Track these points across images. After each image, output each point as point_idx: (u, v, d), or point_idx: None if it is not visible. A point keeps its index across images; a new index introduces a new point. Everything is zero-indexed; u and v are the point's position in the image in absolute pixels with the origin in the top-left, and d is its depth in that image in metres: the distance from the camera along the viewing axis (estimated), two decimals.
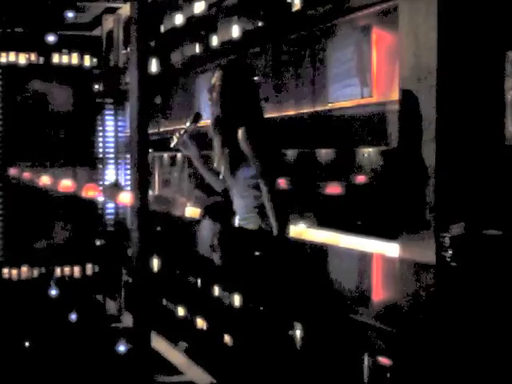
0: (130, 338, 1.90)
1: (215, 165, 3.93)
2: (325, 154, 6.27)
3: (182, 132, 3.97)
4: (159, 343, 1.82)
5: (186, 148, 3.97)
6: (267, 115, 6.78)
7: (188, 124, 3.99)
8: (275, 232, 3.76)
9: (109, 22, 12.72)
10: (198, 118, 4.00)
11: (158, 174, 10.95)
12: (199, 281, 2.73)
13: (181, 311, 2.25)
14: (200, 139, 4.02)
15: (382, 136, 5.24)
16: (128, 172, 11.08)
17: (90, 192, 10.96)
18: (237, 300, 2.33)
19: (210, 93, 3.88)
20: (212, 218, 6.46)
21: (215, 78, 3.85)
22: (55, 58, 13.20)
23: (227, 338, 1.91)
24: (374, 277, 2.77)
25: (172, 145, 4.00)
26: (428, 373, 1.47)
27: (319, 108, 6.20)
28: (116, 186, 11.57)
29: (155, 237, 4.03)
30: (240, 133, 3.74)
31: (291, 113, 6.64)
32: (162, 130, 10.41)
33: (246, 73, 4.00)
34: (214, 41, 8.50)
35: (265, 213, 3.82)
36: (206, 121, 4.02)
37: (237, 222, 3.94)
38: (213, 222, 6.13)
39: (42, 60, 13.15)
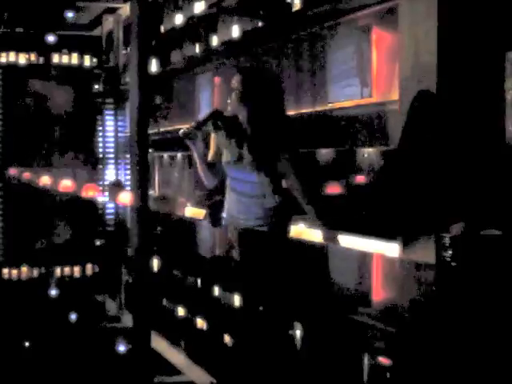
0: (129, 338, 1.90)
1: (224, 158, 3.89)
2: (325, 153, 6.27)
3: (194, 124, 3.90)
4: (159, 343, 1.82)
5: (194, 140, 3.89)
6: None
7: (203, 118, 3.93)
8: (313, 217, 3.75)
9: (109, 22, 12.72)
10: (215, 114, 3.91)
11: (158, 174, 10.95)
12: (199, 281, 2.73)
13: (181, 311, 2.25)
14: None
15: (382, 136, 5.24)
16: (128, 172, 11.08)
17: (90, 192, 10.95)
18: (237, 300, 2.34)
19: (229, 95, 3.86)
20: (215, 217, 6.46)
21: (234, 81, 3.84)
22: (55, 58, 13.20)
23: (227, 338, 1.91)
24: (374, 277, 2.78)
25: (181, 132, 3.91)
26: (428, 372, 1.48)
27: (319, 108, 6.20)
28: (118, 186, 11.57)
29: (155, 237, 4.03)
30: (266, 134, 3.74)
31: (291, 113, 6.64)
32: (161, 130, 10.41)
33: (265, 75, 3.99)
34: (214, 41, 8.50)
35: (271, 216, 3.81)
36: None
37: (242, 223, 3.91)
38: (216, 221, 6.13)
39: (42, 60, 13.15)
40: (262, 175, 3.83)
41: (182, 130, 3.93)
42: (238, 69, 4.12)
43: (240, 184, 3.90)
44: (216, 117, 3.91)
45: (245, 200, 3.87)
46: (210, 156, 3.96)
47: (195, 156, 3.99)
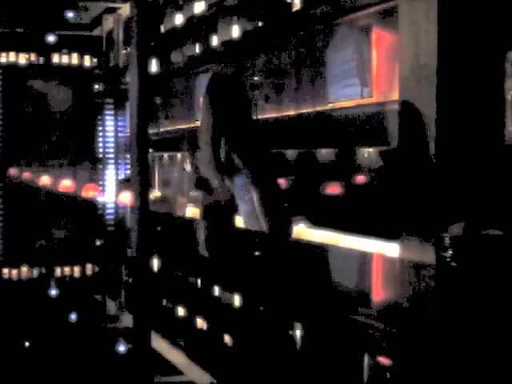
0: (129, 338, 1.90)
1: (202, 169, 3.97)
2: (325, 153, 6.27)
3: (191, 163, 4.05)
4: (159, 343, 1.82)
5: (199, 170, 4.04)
6: (268, 115, 6.80)
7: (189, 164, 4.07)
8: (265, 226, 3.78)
9: (109, 22, 12.72)
10: (189, 140, 4.08)
11: (158, 174, 10.95)
12: (199, 281, 2.73)
13: (181, 311, 2.25)
14: None
15: (382, 136, 5.24)
16: (128, 172, 11.08)
17: (90, 192, 10.96)
18: (237, 300, 2.34)
19: (198, 103, 3.98)
20: (211, 218, 6.45)
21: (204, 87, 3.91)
22: (55, 58, 13.20)
23: (227, 338, 1.91)
24: (374, 277, 2.78)
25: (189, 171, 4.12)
26: (428, 373, 1.48)
27: (319, 108, 6.20)
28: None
29: (155, 237, 4.03)
30: (224, 144, 3.78)
31: (291, 113, 6.64)
32: (161, 130, 10.41)
33: (230, 84, 4.03)
34: (214, 41, 8.50)
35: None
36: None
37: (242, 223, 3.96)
38: (212, 222, 6.13)
39: (42, 60, 13.15)
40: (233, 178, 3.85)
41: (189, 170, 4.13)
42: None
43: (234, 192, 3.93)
44: (190, 142, 4.09)
45: (241, 206, 3.90)
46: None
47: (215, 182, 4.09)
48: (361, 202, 5.69)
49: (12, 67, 13.00)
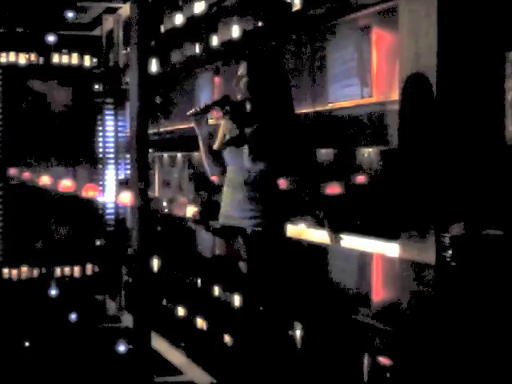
0: (130, 338, 1.90)
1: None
2: (325, 153, 6.27)
3: (203, 106, 3.86)
4: (159, 343, 1.82)
5: (200, 124, 3.85)
6: None
7: (212, 101, 3.90)
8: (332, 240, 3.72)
9: (109, 22, 12.73)
10: (225, 100, 3.86)
11: (158, 174, 10.95)
12: (199, 281, 2.73)
13: (181, 311, 2.25)
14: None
15: (382, 136, 5.24)
16: (128, 172, 11.08)
17: (90, 192, 10.97)
18: (237, 300, 2.34)
19: (237, 83, 3.82)
20: (207, 217, 6.46)
21: (241, 68, 3.79)
22: (55, 58, 13.20)
23: (227, 338, 1.91)
24: (374, 277, 2.78)
25: (189, 113, 3.87)
26: (427, 372, 1.48)
27: (319, 108, 6.20)
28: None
29: (155, 236, 4.03)
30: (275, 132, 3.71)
31: None
32: (161, 130, 10.41)
33: (272, 61, 3.94)
34: (214, 41, 8.51)
35: (257, 216, 3.79)
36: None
37: (222, 221, 3.88)
38: (208, 221, 6.13)
39: (41, 60, 13.15)
40: (259, 164, 3.79)
41: (190, 111, 3.90)
42: (245, 55, 4.05)
43: (236, 173, 3.84)
44: (225, 102, 3.87)
45: (239, 194, 3.83)
46: (216, 144, 3.91)
47: (201, 141, 3.95)
48: (361, 202, 5.69)
49: (12, 67, 13.00)
